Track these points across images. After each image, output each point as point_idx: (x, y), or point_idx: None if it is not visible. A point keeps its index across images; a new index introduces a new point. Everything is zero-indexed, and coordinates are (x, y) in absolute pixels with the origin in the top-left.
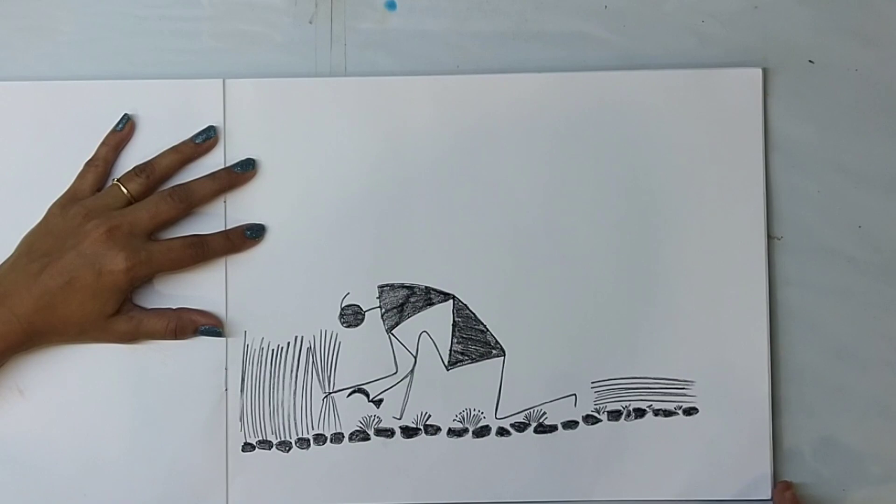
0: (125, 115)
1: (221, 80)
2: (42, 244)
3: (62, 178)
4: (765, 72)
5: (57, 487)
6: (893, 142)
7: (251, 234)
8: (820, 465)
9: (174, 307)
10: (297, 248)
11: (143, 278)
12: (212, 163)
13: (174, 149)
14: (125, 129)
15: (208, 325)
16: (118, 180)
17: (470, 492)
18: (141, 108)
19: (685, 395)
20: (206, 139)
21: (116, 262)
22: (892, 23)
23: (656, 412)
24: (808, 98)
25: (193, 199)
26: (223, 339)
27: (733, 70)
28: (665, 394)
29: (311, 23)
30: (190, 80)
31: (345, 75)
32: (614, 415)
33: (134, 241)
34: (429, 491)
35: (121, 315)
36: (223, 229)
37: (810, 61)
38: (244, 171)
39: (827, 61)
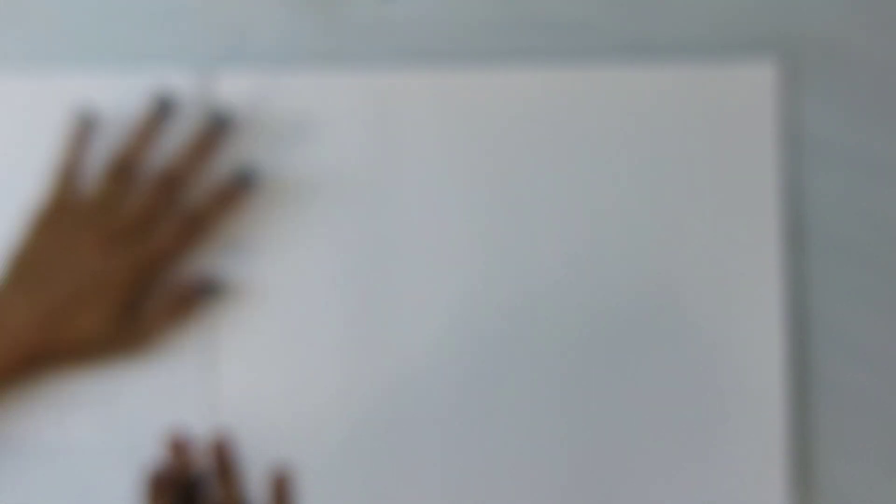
0: (81, 112)
1: (212, 74)
2: (33, 261)
3: (35, 174)
4: (787, 62)
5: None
6: None
7: (242, 183)
8: (845, 477)
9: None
10: (295, 253)
11: (147, 274)
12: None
13: (136, 132)
14: (84, 128)
15: (206, 286)
16: (96, 182)
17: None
18: (130, 102)
19: (695, 402)
20: (164, 111)
21: (119, 266)
22: None
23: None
24: (834, 90)
25: (182, 184)
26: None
27: (749, 64)
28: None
29: (305, 11)
30: (179, 73)
31: (340, 62)
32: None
33: (131, 240)
34: None
35: (126, 325)
36: (213, 194)
37: (836, 50)
38: (249, 182)
39: (854, 50)
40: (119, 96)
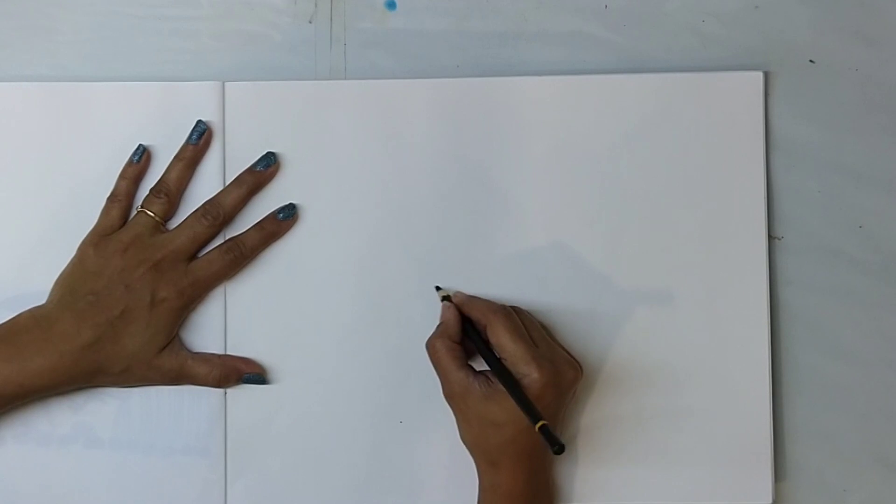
0: (140, 146)
1: (220, 83)
2: (84, 284)
3: (61, 178)
4: (765, 73)
5: (55, 483)
6: (894, 141)
7: (284, 216)
8: (821, 465)
9: (219, 353)
10: (296, 254)
11: (194, 301)
12: (211, 168)
13: (176, 157)
14: (142, 160)
15: (252, 374)
16: (142, 207)
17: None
18: (139, 111)
19: (685, 395)
20: (201, 136)
21: (168, 290)
22: (892, 22)
23: (655, 413)
24: (808, 98)
25: (226, 212)
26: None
27: (734, 73)
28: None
29: (310, 22)
30: (188, 83)
31: (344, 75)
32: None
33: (179, 268)
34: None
35: (168, 352)
36: (255, 223)
37: (811, 61)
38: (267, 167)
39: (828, 61)
40: (138, 106)
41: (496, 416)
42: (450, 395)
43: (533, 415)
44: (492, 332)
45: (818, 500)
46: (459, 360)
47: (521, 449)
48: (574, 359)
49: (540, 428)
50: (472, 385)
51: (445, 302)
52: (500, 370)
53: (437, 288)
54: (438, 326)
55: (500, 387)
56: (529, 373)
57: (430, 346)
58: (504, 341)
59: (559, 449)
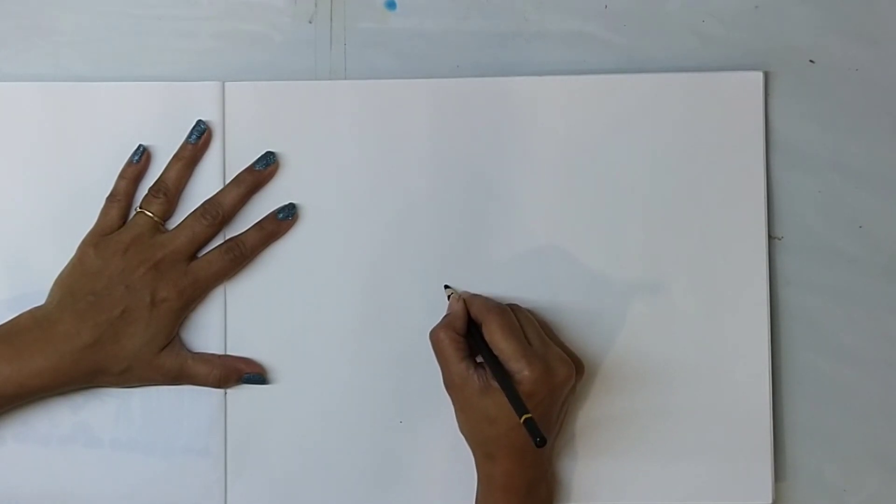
0: (140, 146)
1: (220, 83)
2: (84, 284)
3: (61, 178)
4: (765, 73)
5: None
6: (894, 141)
7: (284, 216)
8: (821, 465)
9: (219, 353)
10: (296, 254)
11: (194, 301)
12: (211, 168)
13: (175, 157)
14: (142, 160)
15: (252, 374)
16: (141, 208)
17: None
18: (139, 111)
19: (685, 395)
20: (200, 135)
21: (168, 290)
22: (892, 22)
23: (655, 413)
24: (808, 98)
25: (225, 212)
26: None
27: (734, 73)
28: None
29: (310, 22)
30: (188, 83)
31: (344, 75)
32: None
33: (179, 268)
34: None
35: (168, 352)
36: (255, 223)
37: (811, 61)
38: (266, 166)
39: (828, 61)
40: (138, 106)
41: (490, 411)
42: (449, 386)
43: (519, 408)
44: (486, 329)
45: (818, 500)
46: (462, 352)
47: (514, 443)
48: (574, 357)
49: (524, 421)
50: (472, 377)
51: (454, 294)
52: (494, 365)
53: (446, 286)
54: (445, 317)
55: (496, 383)
56: (520, 369)
57: (434, 335)
58: (497, 339)
59: (540, 442)
